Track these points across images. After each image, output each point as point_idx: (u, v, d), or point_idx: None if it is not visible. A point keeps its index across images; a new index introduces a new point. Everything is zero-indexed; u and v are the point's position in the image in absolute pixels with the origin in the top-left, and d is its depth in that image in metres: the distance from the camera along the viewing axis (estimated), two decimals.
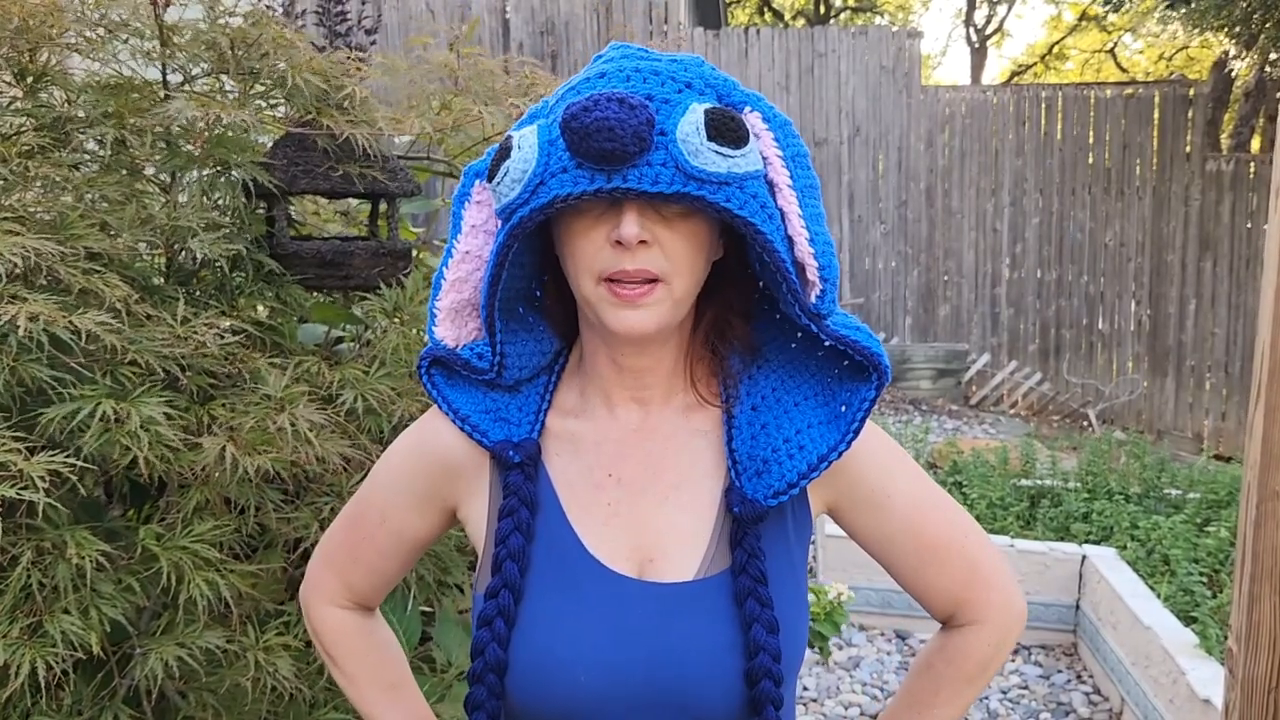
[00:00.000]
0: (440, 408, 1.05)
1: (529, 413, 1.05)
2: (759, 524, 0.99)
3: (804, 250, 0.94)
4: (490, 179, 0.95)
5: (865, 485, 1.06)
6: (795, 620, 1.01)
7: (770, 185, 0.94)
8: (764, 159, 0.93)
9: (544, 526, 1.01)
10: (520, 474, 1.01)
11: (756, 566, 0.97)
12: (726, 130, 0.89)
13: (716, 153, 0.88)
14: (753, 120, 0.94)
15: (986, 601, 1.09)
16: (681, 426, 1.05)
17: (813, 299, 0.96)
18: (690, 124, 0.88)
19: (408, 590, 1.74)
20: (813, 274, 0.95)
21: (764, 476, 0.99)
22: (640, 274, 0.91)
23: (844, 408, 1.00)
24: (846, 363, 1.01)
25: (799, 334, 1.04)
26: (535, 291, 1.07)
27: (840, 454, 0.98)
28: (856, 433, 0.99)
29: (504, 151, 0.93)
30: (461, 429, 1.04)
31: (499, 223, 0.98)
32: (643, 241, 0.91)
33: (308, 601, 1.17)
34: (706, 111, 0.89)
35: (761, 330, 1.07)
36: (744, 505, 0.98)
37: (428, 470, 1.08)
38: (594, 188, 0.88)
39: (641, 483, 1.03)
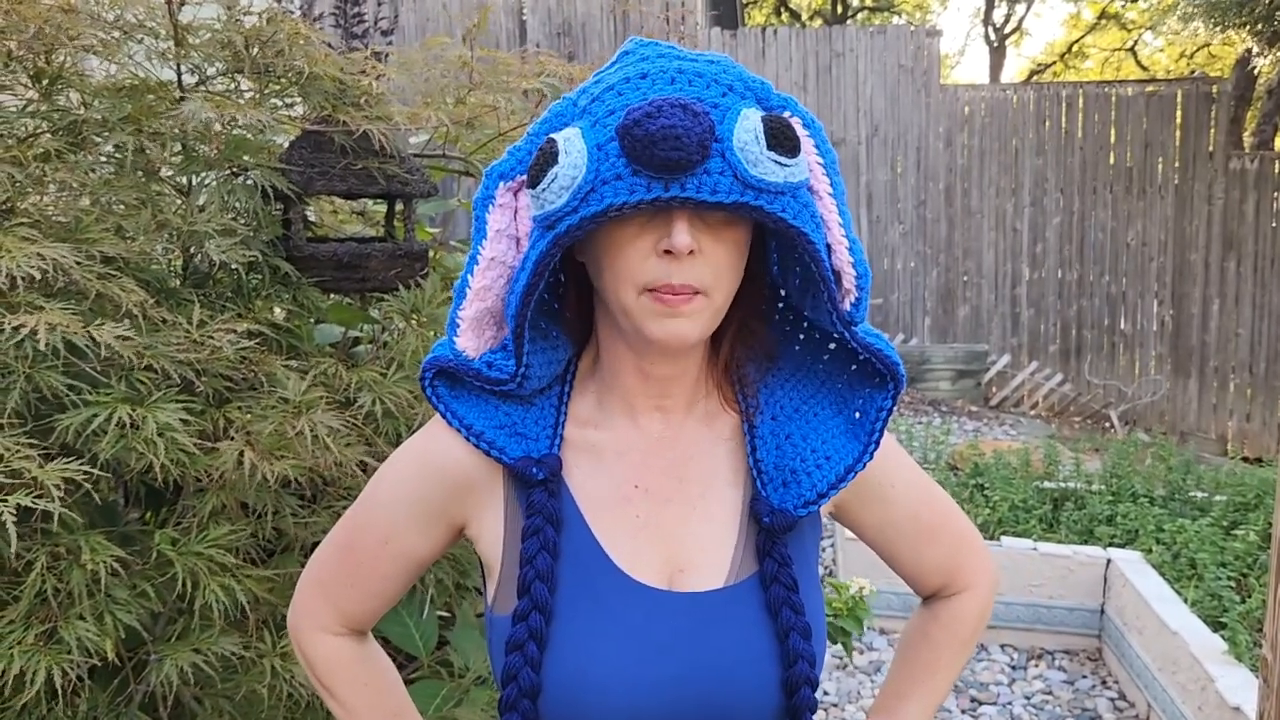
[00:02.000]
0: (450, 424, 1.00)
1: (546, 426, 1.01)
2: (788, 533, 0.99)
3: (843, 259, 0.93)
4: (532, 185, 0.90)
5: (874, 481, 1.07)
6: (819, 623, 1.01)
7: (811, 192, 0.92)
8: (808, 166, 0.91)
9: (568, 543, 0.98)
10: (544, 491, 0.97)
11: (788, 575, 0.97)
12: (784, 139, 0.86)
13: (775, 162, 0.86)
14: (794, 125, 0.91)
15: (975, 567, 1.15)
16: (704, 434, 1.03)
17: (847, 306, 0.95)
18: (748, 132, 0.85)
19: (425, 594, 1.73)
20: (849, 281, 0.94)
21: (791, 487, 0.99)
22: (686, 287, 0.88)
23: (858, 414, 1.01)
24: (854, 367, 1.02)
25: (801, 335, 1.05)
26: (545, 295, 1.03)
27: (865, 465, 0.99)
28: (878, 443, 1.00)
29: (548, 155, 0.88)
30: (477, 446, 0.99)
31: (524, 224, 0.95)
32: (691, 252, 0.88)
33: (298, 629, 1.11)
34: (764, 119, 0.87)
35: (770, 333, 1.06)
36: (774, 515, 0.98)
37: (438, 488, 1.02)
38: (651, 196, 0.84)
39: (667, 492, 1.01)
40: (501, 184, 0.97)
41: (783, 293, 1.05)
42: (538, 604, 0.94)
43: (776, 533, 0.98)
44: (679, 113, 0.83)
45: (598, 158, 0.86)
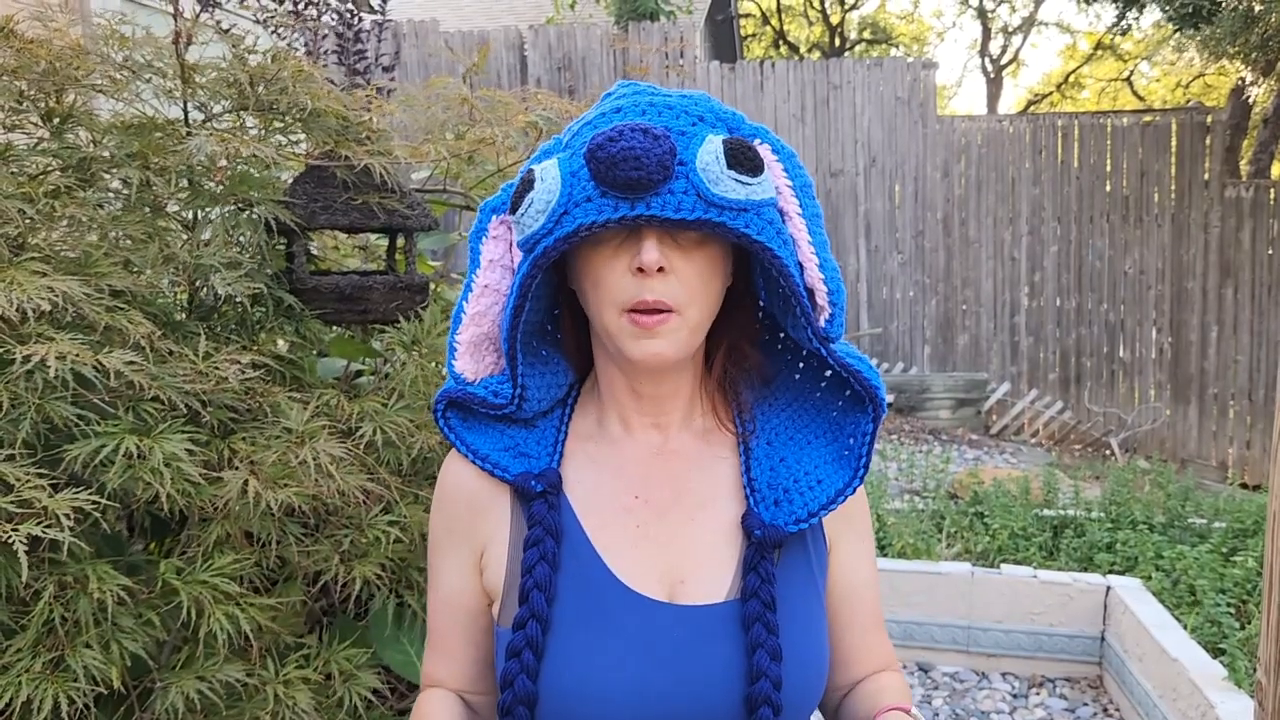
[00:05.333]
0: (458, 449, 1.06)
1: (547, 445, 1.06)
2: (776, 550, 1.01)
3: (814, 275, 0.98)
4: (512, 211, 0.97)
5: (857, 520, 1.11)
6: (808, 651, 1.01)
7: (781, 213, 0.97)
8: (775, 188, 0.96)
9: (569, 555, 1.01)
10: (543, 503, 1.01)
11: (768, 591, 0.99)
12: (744, 159, 0.92)
13: (736, 180, 0.91)
14: (763, 151, 0.97)
15: (893, 663, 1.15)
16: (702, 450, 1.07)
17: (822, 322, 0.99)
18: (710, 153, 0.91)
19: (426, 620, 1.74)
20: (822, 298, 0.98)
21: (783, 505, 1.02)
22: (658, 303, 0.93)
23: (851, 440, 1.05)
24: (849, 392, 1.06)
25: (801, 364, 1.09)
26: (547, 325, 1.09)
27: (854, 490, 1.03)
28: (866, 467, 1.04)
29: (526, 184, 0.95)
30: (481, 467, 1.04)
31: (519, 256, 1.00)
32: (660, 269, 0.93)
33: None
34: (724, 141, 0.92)
35: (766, 358, 1.11)
36: (766, 530, 1.00)
37: (456, 512, 1.07)
38: (618, 216, 0.90)
39: (667, 503, 1.04)
40: (494, 217, 1.04)
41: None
42: (535, 613, 0.97)
43: (766, 548, 1.00)
44: (639, 135, 0.89)
45: (570, 182, 0.92)
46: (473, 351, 1.05)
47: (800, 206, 0.98)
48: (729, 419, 1.08)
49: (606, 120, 0.95)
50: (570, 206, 0.91)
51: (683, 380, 1.04)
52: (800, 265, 0.97)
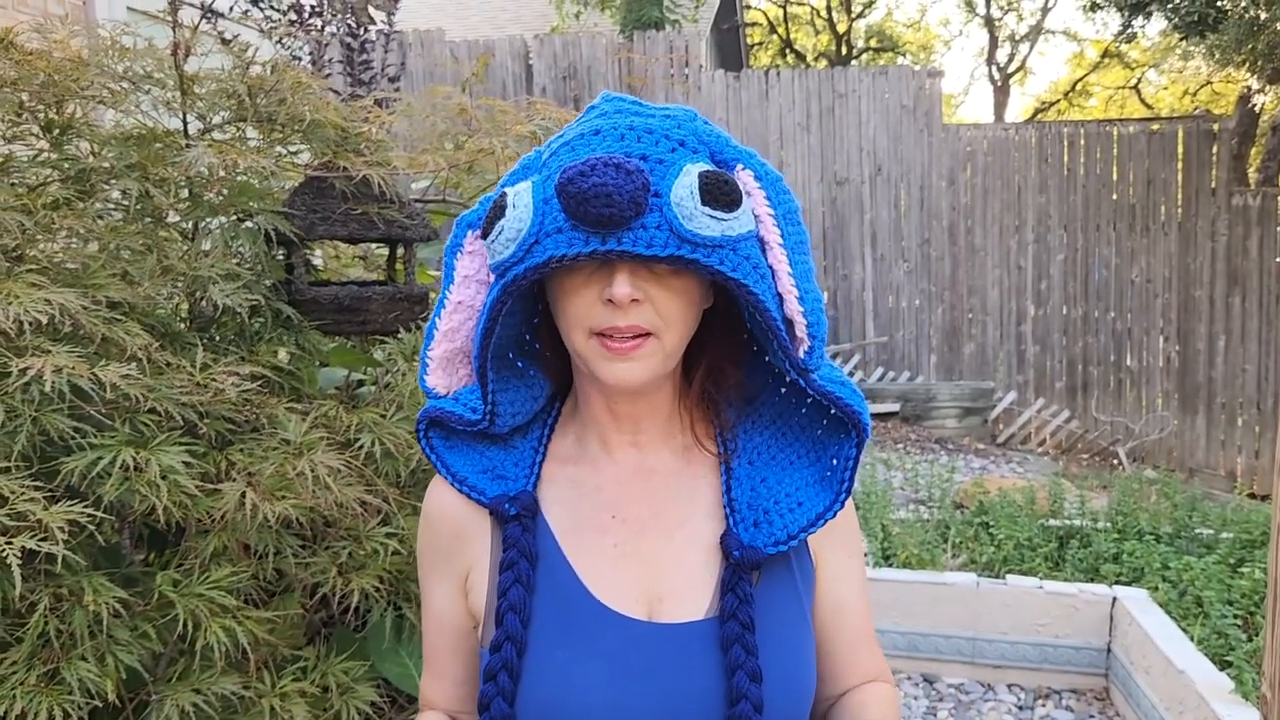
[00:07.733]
0: (440, 472, 1.06)
1: (524, 466, 1.05)
2: (755, 571, 1.00)
3: (793, 307, 0.95)
4: (484, 235, 0.95)
5: (844, 536, 1.09)
6: (798, 667, 1.01)
7: (761, 243, 0.95)
8: (755, 217, 0.94)
9: (547, 577, 1.00)
10: (518, 526, 1.00)
11: (746, 612, 0.97)
12: (720, 194, 0.89)
13: (710, 216, 0.88)
14: (744, 178, 0.95)
15: (882, 673, 1.12)
16: (681, 469, 1.06)
17: (801, 354, 0.97)
18: (685, 187, 0.89)
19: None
20: (801, 330, 0.96)
21: (763, 527, 1.01)
22: (632, 329, 0.92)
23: (834, 460, 1.03)
24: (834, 411, 1.03)
25: (786, 379, 1.07)
26: (525, 336, 1.08)
27: (835, 514, 1.02)
28: (849, 491, 1.02)
29: (498, 208, 0.94)
30: (460, 490, 1.04)
31: (492, 274, 0.99)
32: (634, 300, 0.91)
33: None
34: (701, 175, 0.90)
35: (751, 376, 1.09)
36: (744, 551, 0.99)
37: (440, 536, 1.07)
38: (589, 250, 0.88)
39: (645, 521, 1.03)
40: (470, 232, 1.03)
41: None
42: (510, 635, 0.96)
43: (744, 569, 0.98)
44: (610, 171, 0.87)
45: (543, 211, 0.90)
46: (445, 366, 1.05)
47: (781, 235, 0.96)
48: (709, 437, 1.07)
49: (585, 144, 0.92)
50: (541, 236, 0.90)
51: (659, 397, 1.03)
52: (779, 297, 0.96)
